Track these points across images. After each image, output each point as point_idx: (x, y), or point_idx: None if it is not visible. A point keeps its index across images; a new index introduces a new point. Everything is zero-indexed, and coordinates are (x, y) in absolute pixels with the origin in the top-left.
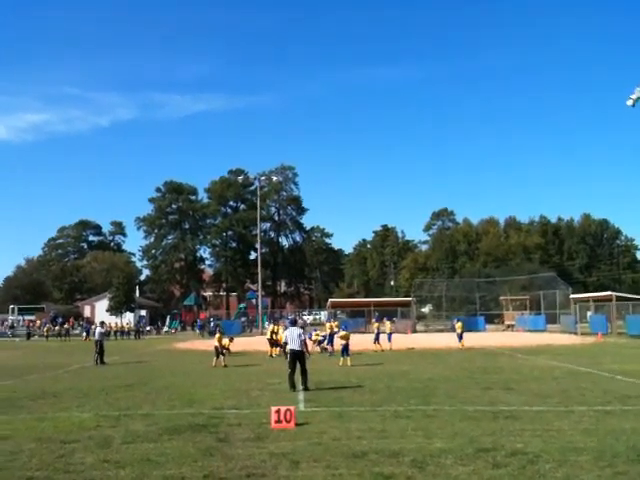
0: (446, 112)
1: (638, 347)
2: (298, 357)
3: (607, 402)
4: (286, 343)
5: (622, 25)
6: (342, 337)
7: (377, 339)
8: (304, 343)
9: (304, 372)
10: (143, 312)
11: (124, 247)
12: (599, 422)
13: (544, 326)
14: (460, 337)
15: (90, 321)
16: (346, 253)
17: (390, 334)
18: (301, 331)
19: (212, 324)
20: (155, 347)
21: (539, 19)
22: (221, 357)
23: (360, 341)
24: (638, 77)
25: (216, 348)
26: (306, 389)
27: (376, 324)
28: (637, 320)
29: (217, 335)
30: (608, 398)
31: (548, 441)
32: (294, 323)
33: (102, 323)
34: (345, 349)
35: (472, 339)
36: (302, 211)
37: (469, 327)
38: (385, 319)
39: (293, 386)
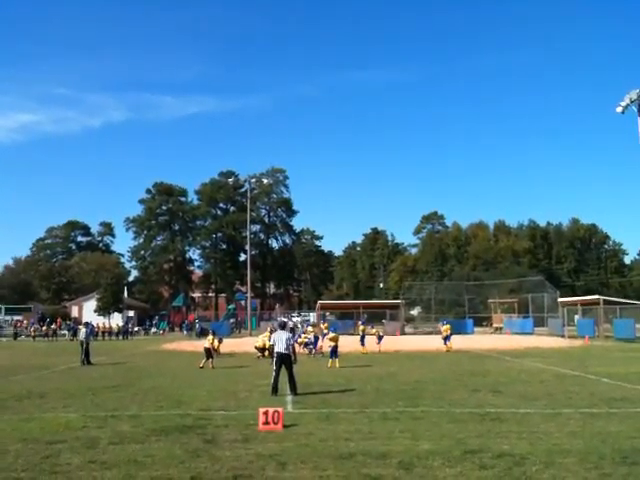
0: (437, 115)
1: (625, 350)
2: (284, 361)
3: (593, 405)
4: (273, 346)
5: (612, 31)
6: (331, 339)
7: (363, 341)
8: (292, 347)
9: (291, 378)
10: (131, 313)
11: (113, 248)
12: (585, 424)
13: (532, 329)
14: (446, 340)
15: (77, 321)
16: (336, 255)
17: (380, 337)
18: (290, 335)
19: (197, 325)
20: (143, 348)
21: (529, 23)
22: (210, 359)
23: (349, 343)
24: (628, 84)
25: (207, 350)
26: (295, 394)
27: (362, 327)
28: (624, 324)
29: (210, 337)
30: (594, 401)
31: (535, 443)
32: (283, 326)
33: (87, 323)
34: (334, 351)
35: (460, 342)
36: (292, 213)
37: (458, 330)
38: (370, 326)
39: (276, 390)
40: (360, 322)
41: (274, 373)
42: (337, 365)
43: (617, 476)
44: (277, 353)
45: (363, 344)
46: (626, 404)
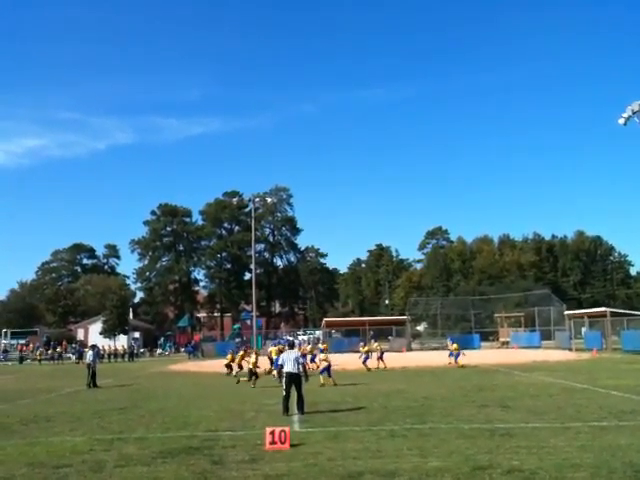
0: (440, 131)
1: (633, 362)
2: (295, 380)
3: (603, 418)
4: (282, 366)
5: (613, 44)
6: (324, 359)
7: (365, 360)
8: (303, 366)
9: (300, 398)
10: (137, 334)
11: (118, 270)
12: (595, 438)
13: (539, 343)
14: (457, 356)
15: (83, 344)
16: (341, 272)
17: (382, 353)
18: (299, 354)
19: (190, 347)
20: (149, 369)
21: (529, 39)
22: (254, 377)
23: (355, 360)
24: (630, 96)
25: (250, 370)
26: (302, 414)
27: (364, 348)
28: (632, 335)
29: (253, 356)
30: (604, 414)
31: (544, 458)
32: (292, 346)
33: (93, 346)
34: (327, 369)
35: (467, 357)
36: (297, 231)
37: (464, 345)
38: (372, 340)
39: (287, 410)
40: (362, 344)
41: (284, 393)
42: (332, 382)
43: None
44: (287, 373)
45: (365, 363)
46: (636, 417)
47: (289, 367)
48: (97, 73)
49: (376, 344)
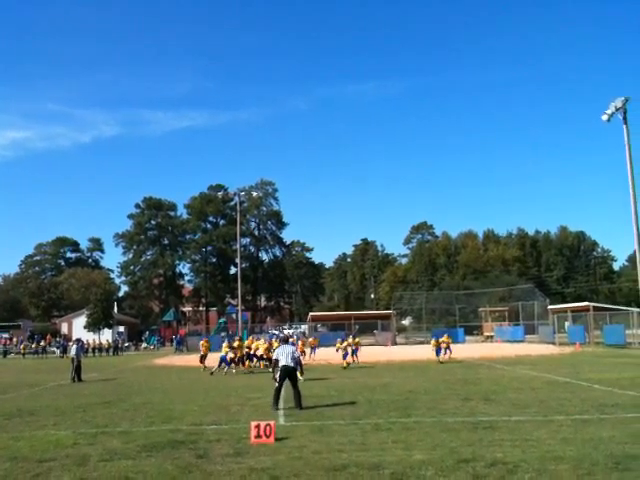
0: (427, 127)
1: (615, 356)
2: (290, 374)
3: (585, 411)
4: (277, 360)
5: (598, 41)
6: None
7: (350, 354)
8: (298, 361)
9: (297, 393)
10: (121, 328)
11: (102, 264)
12: (577, 431)
13: (522, 337)
14: (446, 350)
15: (67, 338)
16: (326, 267)
17: (357, 349)
18: (294, 348)
19: (176, 340)
20: (133, 363)
21: (513, 37)
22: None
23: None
24: (613, 93)
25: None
26: (300, 408)
27: (341, 344)
28: (614, 330)
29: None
30: (586, 407)
31: (527, 451)
32: (286, 340)
33: (78, 340)
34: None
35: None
36: (282, 226)
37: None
38: (351, 336)
39: (277, 403)
40: (340, 339)
41: (277, 385)
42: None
43: None
44: (282, 367)
45: (353, 355)
46: (617, 410)
47: (284, 361)
48: (82, 65)
49: (352, 339)
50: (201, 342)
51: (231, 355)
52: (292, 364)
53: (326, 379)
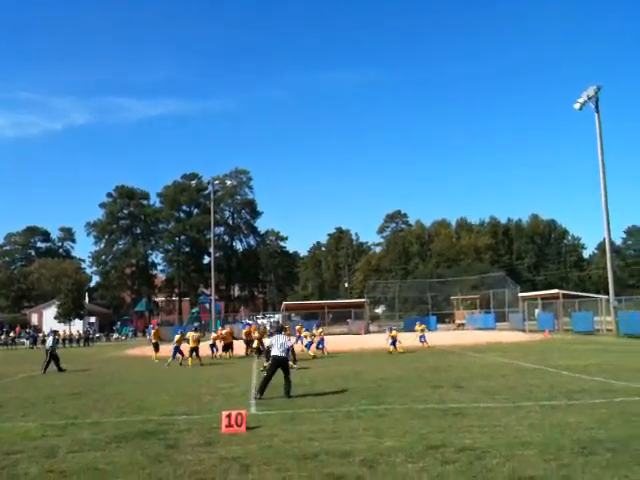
0: (399, 116)
1: (584, 343)
2: (281, 364)
3: (553, 397)
4: (269, 349)
5: (570, 30)
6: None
7: (315, 345)
8: (290, 350)
9: (288, 382)
10: (92, 319)
11: (73, 253)
12: (545, 417)
13: (494, 324)
14: (421, 338)
15: (37, 329)
16: (301, 256)
17: (321, 340)
18: (287, 338)
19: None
20: (105, 354)
21: (487, 26)
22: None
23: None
24: (585, 81)
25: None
26: (288, 397)
27: (305, 332)
28: (583, 317)
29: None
30: (554, 393)
31: (495, 437)
32: (280, 330)
33: (55, 332)
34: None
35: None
36: (256, 215)
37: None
38: (315, 326)
39: (262, 392)
40: (305, 329)
41: (266, 374)
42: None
43: (576, 466)
44: (274, 356)
45: (308, 347)
46: (585, 396)
47: (276, 351)
48: (54, 53)
49: (316, 330)
50: (190, 334)
51: (192, 345)
52: (284, 354)
53: (300, 369)
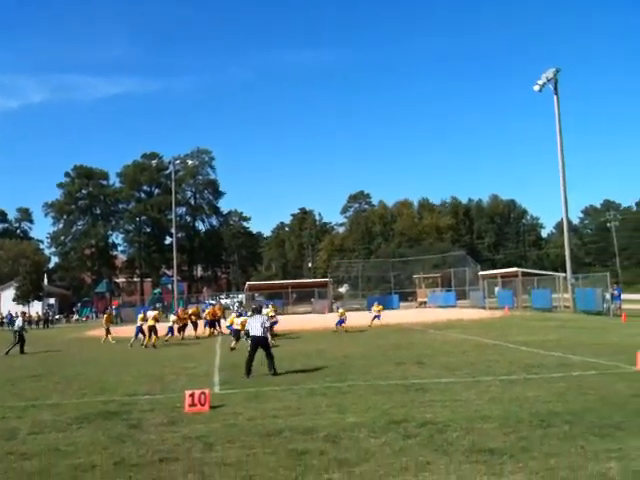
0: (363, 96)
1: (542, 320)
2: (260, 343)
3: (512, 372)
4: (248, 331)
5: (529, 12)
6: (242, 324)
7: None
8: (267, 330)
9: (270, 358)
10: (52, 300)
11: (31, 234)
12: (504, 391)
13: (455, 302)
14: (376, 317)
15: None
16: (264, 236)
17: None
18: (264, 319)
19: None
20: (65, 336)
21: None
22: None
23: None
24: (544, 64)
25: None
26: (275, 374)
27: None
28: (541, 294)
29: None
30: (513, 368)
31: (456, 411)
32: (259, 311)
33: (24, 313)
34: (237, 332)
35: (387, 317)
36: (219, 195)
37: (384, 305)
38: (271, 304)
39: (249, 372)
40: (265, 304)
41: (248, 355)
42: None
43: (534, 438)
44: (252, 337)
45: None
46: (542, 370)
47: (254, 331)
48: (8, 29)
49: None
50: (149, 312)
51: (149, 323)
52: (262, 334)
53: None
